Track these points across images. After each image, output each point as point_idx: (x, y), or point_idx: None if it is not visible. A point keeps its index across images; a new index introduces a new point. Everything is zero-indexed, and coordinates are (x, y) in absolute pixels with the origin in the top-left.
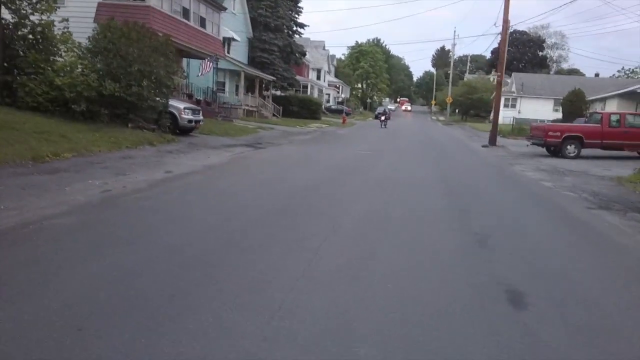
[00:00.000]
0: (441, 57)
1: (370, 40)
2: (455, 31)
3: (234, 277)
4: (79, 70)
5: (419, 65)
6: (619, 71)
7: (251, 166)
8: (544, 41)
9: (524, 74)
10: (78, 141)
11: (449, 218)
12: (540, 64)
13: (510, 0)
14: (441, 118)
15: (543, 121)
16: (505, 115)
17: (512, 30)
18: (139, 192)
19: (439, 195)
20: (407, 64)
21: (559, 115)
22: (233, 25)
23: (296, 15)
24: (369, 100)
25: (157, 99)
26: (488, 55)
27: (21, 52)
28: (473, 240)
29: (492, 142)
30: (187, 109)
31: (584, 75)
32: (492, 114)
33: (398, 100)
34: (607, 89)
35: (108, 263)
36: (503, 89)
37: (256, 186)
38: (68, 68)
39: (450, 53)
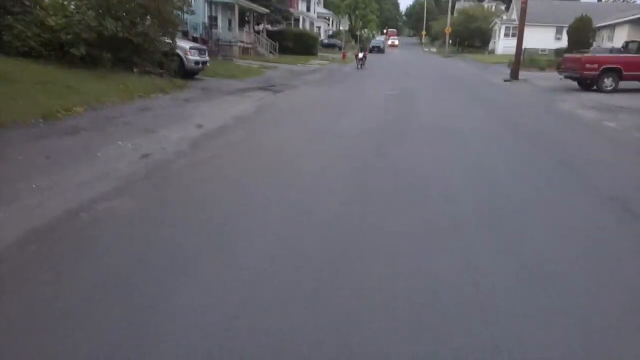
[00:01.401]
0: None
1: None
2: None
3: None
4: (72, 7)
5: None
6: None
7: (284, 115)
8: None
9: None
10: (86, 92)
11: (572, 180)
12: None
13: None
14: (433, 50)
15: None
16: (507, 45)
17: None
18: (184, 155)
19: (528, 150)
20: None
21: (562, 44)
22: None
23: None
24: (358, 33)
25: (165, 39)
26: None
27: None
28: (621, 209)
29: (515, 75)
30: (194, 49)
31: (578, 0)
32: (490, 44)
33: (385, 32)
34: (612, 15)
35: (211, 276)
36: (503, 17)
37: (310, 141)
38: (59, 5)
39: None
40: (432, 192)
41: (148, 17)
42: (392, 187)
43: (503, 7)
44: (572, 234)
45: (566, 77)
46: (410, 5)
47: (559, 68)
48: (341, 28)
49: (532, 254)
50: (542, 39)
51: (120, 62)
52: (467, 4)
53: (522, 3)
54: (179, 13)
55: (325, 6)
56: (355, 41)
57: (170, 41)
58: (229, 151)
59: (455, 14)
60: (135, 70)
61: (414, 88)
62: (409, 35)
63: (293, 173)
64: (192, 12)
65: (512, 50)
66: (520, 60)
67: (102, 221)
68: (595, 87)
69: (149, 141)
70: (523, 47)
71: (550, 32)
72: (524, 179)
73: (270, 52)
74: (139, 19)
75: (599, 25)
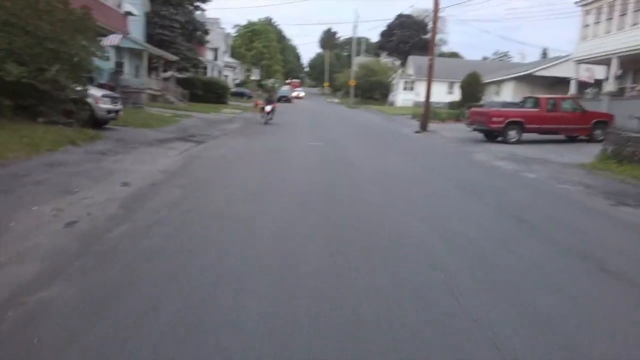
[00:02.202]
0: (328, 39)
1: (262, 19)
2: (357, 13)
3: None
4: None
5: (305, 47)
6: (494, 54)
7: (215, 169)
8: (427, 25)
9: (419, 57)
10: None
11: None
12: (424, 47)
13: None
14: (335, 100)
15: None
16: (405, 98)
17: (398, 14)
18: (117, 222)
19: (465, 196)
20: (294, 45)
21: (453, 97)
22: None
23: None
24: (263, 82)
25: (76, 86)
26: (374, 38)
27: None
28: (597, 269)
29: (424, 127)
30: (106, 96)
31: (463, 58)
32: (390, 96)
33: (288, 82)
34: (497, 72)
35: None
36: (400, 72)
37: (255, 200)
38: None
39: (353, 35)
40: (406, 250)
41: (57, 63)
42: (360, 241)
43: (398, 63)
44: (567, 296)
45: (474, 129)
46: (312, 58)
47: (458, 119)
48: (252, 78)
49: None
50: (437, 92)
51: (21, 110)
52: (366, 59)
53: (429, 60)
54: (93, 59)
55: (231, 55)
56: (262, 90)
57: (82, 88)
58: (169, 215)
59: (356, 68)
60: (40, 119)
61: (335, 139)
62: (310, 86)
63: (252, 240)
64: (107, 59)
65: (410, 103)
66: (429, 114)
67: (37, 320)
68: (500, 138)
69: (70, 205)
70: (413, 99)
71: (444, 87)
72: (482, 230)
73: (180, 100)
74: (46, 64)
75: (487, 80)
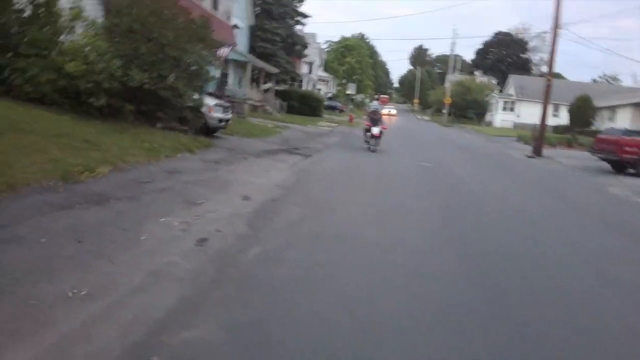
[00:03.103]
0: (419, 56)
1: (355, 34)
2: (454, 29)
3: None
4: (95, 54)
5: (394, 64)
6: (599, 77)
7: (330, 186)
8: (526, 43)
9: (521, 77)
10: (107, 148)
11: None
12: (523, 67)
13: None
14: (426, 117)
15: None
16: (504, 119)
17: (496, 32)
18: (248, 242)
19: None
20: (384, 61)
21: (559, 120)
22: (234, 10)
23: (298, 4)
24: (353, 97)
25: (193, 94)
26: (467, 56)
27: (16, 28)
28: None
29: (538, 152)
30: (218, 105)
31: (565, 79)
32: (487, 116)
33: (377, 97)
34: (607, 96)
35: None
36: (500, 91)
37: (385, 221)
38: (82, 52)
39: (451, 52)
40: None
41: (176, 70)
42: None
43: (494, 82)
44: None
45: (601, 158)
46: (402, 75)
47: (570, 144)
48: (348, 92)
49: None
50: (537, 114)
51: (141, 115)
52: (460, 77)
53: (547, 80)
54: (209, 69)
55: (324, 69)
56: (353, 104)
57: (198, 96)
58: (298, 239)
59: (448, 85)
60: (158, 125)
61: (442, 160)
62: (399, 102)
63: (400, 270)
64: (221, 69)
65: (509, 124)
66: (544, 137)
67: None
68: (632, 170)
69: (197, 218)
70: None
71: (548, 109)
72: None
73: (278, 112)
74: (167, 71)
75: (601, 105)
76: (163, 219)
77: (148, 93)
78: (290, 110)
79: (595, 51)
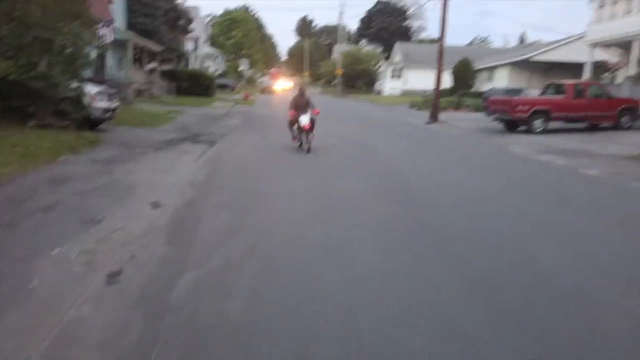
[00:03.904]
0: (305, 27)
1: (239, 7)
2: None
3: None
4: None
5: (281, 36)
6: (474, 39)
7: (249, 177)
8: (406, 11)
9: (407, 44)
10: None
11: None
12: (404, 34)
13: None
14: (318, 90)
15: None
16: (393, 87)
17: (377, 0)
18: (174, 269)
19: (564, 209)
20: (270, 33)
21: (443, 84)
22: None
23: None
24: (245, 73)
25: (73, 82)
26: (352, 25)
27: None
28: None
29: (435, 117)
30: (102, 93)
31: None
32: (375, 86)
33: (268, 71)
34: (484, 58)
35: None
36: (386, 59)
37: (328, 217)
38: None
39: (340, 22)
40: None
41: (47, 55)
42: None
43: (380, 50)
44: None
45: (496, 119)
46: (291, 47)
47: (457, 107)
48: (241, 68)
49: None
50: (425, 80)
51: (9, 114)
52: (348, 47)
53: (439, 45)
54: (88, 50)
55: (211, 45)
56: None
57: (77, 85)
58: (237, 250)
59: (337, 55)
60: (30, 123)
61: (351, 133)
62: (287, 76)
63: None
64: (105, 50)
65: (398, 91)
66: (439, 103)
67: None
68: (523, 128)
69: (101, 242)
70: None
71: (431, 74)
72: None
73: (167, 94)
74: (38, 56)
75: (480, 67)
76: (56, 251)
77: (15, 85)
78: (180, 91)
79: (466, 15)
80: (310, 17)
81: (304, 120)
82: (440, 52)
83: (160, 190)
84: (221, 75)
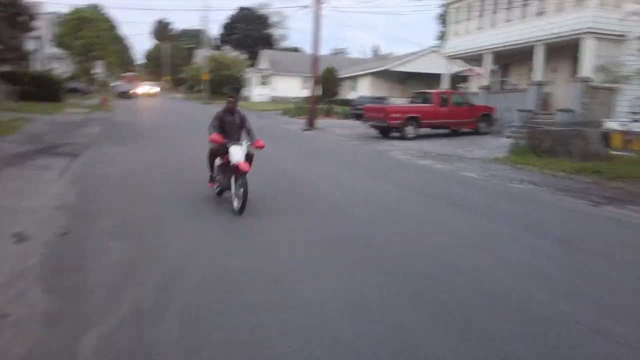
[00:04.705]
0: (163, 30)
1: (90, 5)
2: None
3: None
4: None
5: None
6: (332, 49)
7: (127, 193)
8: (267, 19)
9: (273, 52)
10: None
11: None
12: (267, 42)
13: None
14: (179, 96)
15: (294, 98)
16: (261, 94)
17: (240, 7)
18: (64, 339)
19: (459, 211)
20: (124, 35)
21: (307, 91)
22: None
23: None
24: (97, 76)
25: None
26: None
27: None
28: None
29: (311, 124)
30: None
31: (306, 52)
32: (242, 91)
33: (125, 75)
34: (348, 68)
35: None
36: (251, 66)
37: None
38: None
39: (203, 25)
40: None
41: None
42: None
43: (244, 57)
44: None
45: (372, 125)
46: (149, 50)
47: (328, 114)
48: (96, 70)
49: None
50: (292, 87)
51: None
52: (212, 52)
53: (313, 54)
54: None
55: (58, 45)
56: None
57: None
58: (150, 299)
59: (200, 60)
60: None
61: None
62: (145, 80)
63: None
64: None
65: (265, 98)
66: (316, 112)
67: None
68: (397, 134)
69: None
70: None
71: (297, 82)
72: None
73: (8, 99)
74: None
75: (344, 75)
76: None
77: None
78: (24, 96)
79: (326, 27)
80: (167, 20)
81: (237, 155)
82: (315, 61)
83: (21, 217)
84: (71, 79)
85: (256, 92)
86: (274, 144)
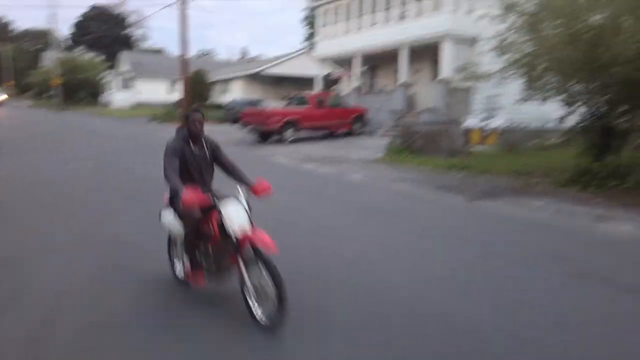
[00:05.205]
0: (1, 31)
1: None
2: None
3: None
4: None
5: None
6: (199, 51)
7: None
8: (125, 18)
9: (135, 53)
10: None
11: None
12: (126, 43)
13: None
14: (27, 104)
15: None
16: (123, 98)
17: (92, 5)
18: None
19: (371, 220)
20: None
21: (177, 96)
22: None
23: None
24: None
25: None
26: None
27: None
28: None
29: None
30: None
31: (170, 54)
32: (101, 97)
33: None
34: (218, 70)
35: None
36: (110, 68)
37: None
38: None
39: (52, 25)
40: None
41: None
42: None
43: (101, 59)
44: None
45: (251, 130)
46: None
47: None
48: None
49: None
50: (156, 91)
51: None
52: (63, 54)
53: (181, 57)
54: None
55: None
56: None
57: None
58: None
59: (48, 63)
60: None
61: (101, 154)
62: None
63: None
64: None
65: (128, 103)
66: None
67: None
68: (276, 138)
69: None
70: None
71: (164, 85)
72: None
73: None
74: None
75: (215, 79)
76: None
77: None
78: None
79: (190, 28)
80: (6, 19)
81: (240, 219)
82: (183, 63)
83: None
84: None
85: (118, 96)
86: (147, 155)
